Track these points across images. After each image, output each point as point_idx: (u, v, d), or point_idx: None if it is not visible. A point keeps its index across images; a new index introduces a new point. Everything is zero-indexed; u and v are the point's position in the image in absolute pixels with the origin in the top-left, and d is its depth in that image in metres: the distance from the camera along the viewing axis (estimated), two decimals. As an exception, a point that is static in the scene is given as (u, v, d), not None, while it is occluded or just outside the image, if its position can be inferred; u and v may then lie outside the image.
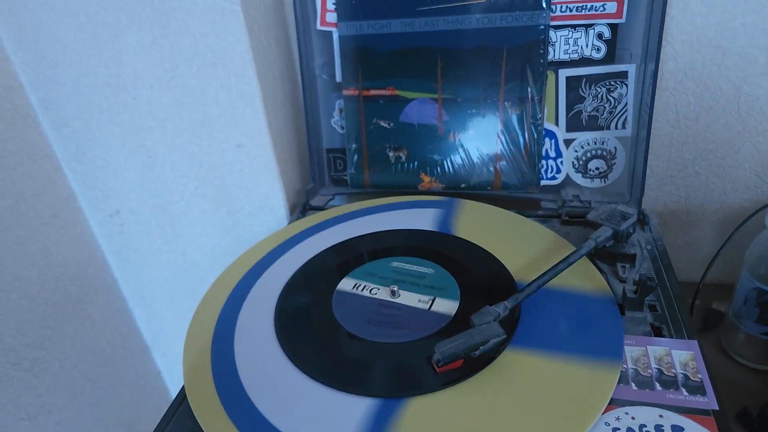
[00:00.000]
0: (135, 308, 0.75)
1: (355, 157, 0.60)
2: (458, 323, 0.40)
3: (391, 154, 0.59)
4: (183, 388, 0.39)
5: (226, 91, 0.54)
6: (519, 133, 0.56)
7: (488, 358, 0.37)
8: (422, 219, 0.54)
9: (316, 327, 0.41)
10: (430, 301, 0.42)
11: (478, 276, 0.45)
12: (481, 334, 0.36)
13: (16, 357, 0.58)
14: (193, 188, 0.61)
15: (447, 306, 0.42)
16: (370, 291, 0.44)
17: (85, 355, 0.67)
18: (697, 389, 0.35)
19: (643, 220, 0.52)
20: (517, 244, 0.48)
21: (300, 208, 0.59)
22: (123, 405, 0.73)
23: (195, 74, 0.53)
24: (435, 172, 0.59)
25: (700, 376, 0.36)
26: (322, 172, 0.61)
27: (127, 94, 0.56)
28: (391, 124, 0.58)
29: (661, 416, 0.33)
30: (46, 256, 0.61)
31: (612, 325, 0.39)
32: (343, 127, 0.60)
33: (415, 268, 0.46)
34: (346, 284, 0.45)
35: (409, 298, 0.43)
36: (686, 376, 0.36)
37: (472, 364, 0.36)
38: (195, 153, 0.58)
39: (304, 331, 0.41)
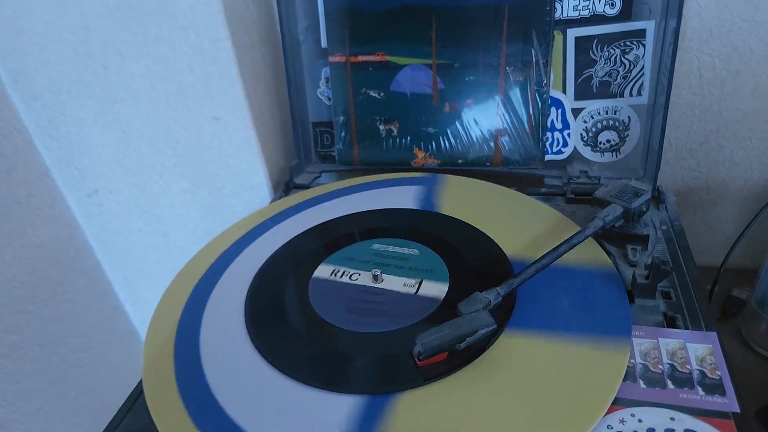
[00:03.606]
0: (120, 292, 0.72)
1: (343, 131, 0.55)
2: (449, 307, 0.35)
3: (381, 127, 0.54)
4: (141, 382, 0.35)
5: (199, 58, 0.49)
6: (522, 101, 0.51)
7: (478, 349, 0.33)
8: (411, 197, 0.49)
9: (289, 317, 0.37)
10: (417, 284, 0.38)
11: (470, 258, 0.40)
12: (468, 323, 0.32)
13: (-10, 342, 0.55)
14: (171, 166, 0.57)
15: (436, 289, 0.38)
16: (350, 277, 0.40)
17: (67, 339, 0.65)
18: (715, 388, 0.30)
19: (658, 198, 0.47)
20: (516, 223, 0.44)
21: (283, 186, 0.54)
22: (109, 391, 0.70)
23: (166, 39, 0.49)
24: (429, 146, 0.54)
25: (719, 372, 0.31)
26: (307, 148, 0.57)
27: (96, 62, 0.52)
28: (382, 94, 0.53)
29: (672, 419, 0.29)
30: (21, 237, 0.58)
31: (617, 302, 0.35)
32: (329, 98, 0.55)
33: (398, 249, 0.42)
34: (323, 271, 0.41)
35: (393, 283, 0.39)
36: (703, 373, 0.31)
37: (460, 355, 0.32)
38: (171, 127, 0.54)
39: (275, 321, 0.37)
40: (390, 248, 0.42)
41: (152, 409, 0.32)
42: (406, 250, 0.42)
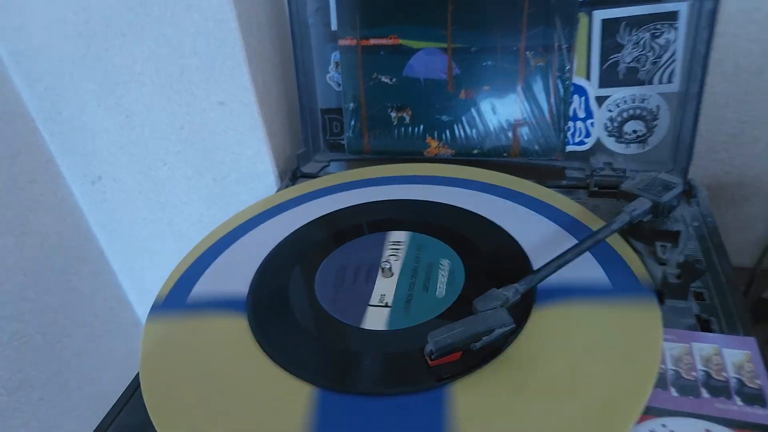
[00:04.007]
0: (124, 281, 0.70)
1: (353, 118, 0.53)
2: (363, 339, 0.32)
3: (393, 114, 0.52)
4: (137, 376, 0.33)
5: (204, 40, 0.47)
6: (542, 89, 0.48)
7: (494, 349, 0.30)
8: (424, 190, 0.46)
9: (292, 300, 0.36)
10: (380, 307, 0.34)
11: (486, 257, 0.38)
12: (484, 322, 0.30)
13: (-9, 330, 0.54)
14: (175, 152, 0.55)
15: (377, 321, 0.33)
16: (390, 255, 0.38)
17: (71, 328, 0.63)
18: (755, 398, 0.28)
19: (689, 192, 0.44)
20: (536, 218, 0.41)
21: (289, 175, 0.52)
22: (113, 381, 0.69)
23: (170, 20, 0.47)
24: (444, 135, 0.51)
25: (758, 381, 0.28)
26: (316, 136, 0.55)
27: (98, 44, 0.50)
28: (394, 80, 0.51)
29: (707, 431, 0.26)
30: (23, 224, 0.57)
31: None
32: (339, 84, 0.53)
33: (443, 280, 0.36)
34: (397, 235, 0.41)
35: (383, 287, 0.36)
36: (741, 382, 0.28)
37: (475, 356, 0.29)
38: (175, 112, 0.52)
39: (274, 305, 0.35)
40: (443, 274, 0.36)
41: (149, 406, 0.30)
42: (442, 286, 0.35)
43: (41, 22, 0.50)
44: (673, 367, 0.29)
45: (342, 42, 0.51)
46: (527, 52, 0.47)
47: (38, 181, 0.58)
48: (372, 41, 0.50)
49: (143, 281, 0.70)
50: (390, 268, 0.37)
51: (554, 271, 0.33)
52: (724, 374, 0.29)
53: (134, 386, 0.34)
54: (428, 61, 0.50)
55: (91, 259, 0.66)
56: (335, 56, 0.52)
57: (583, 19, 0.46)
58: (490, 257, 0.38)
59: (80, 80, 0.53)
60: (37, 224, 0.58)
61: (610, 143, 0.49)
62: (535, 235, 0.39)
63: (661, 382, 0.28)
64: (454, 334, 0.29)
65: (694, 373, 0.29)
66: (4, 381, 0.56)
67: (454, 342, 0.29)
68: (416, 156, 0.52)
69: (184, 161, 0.56)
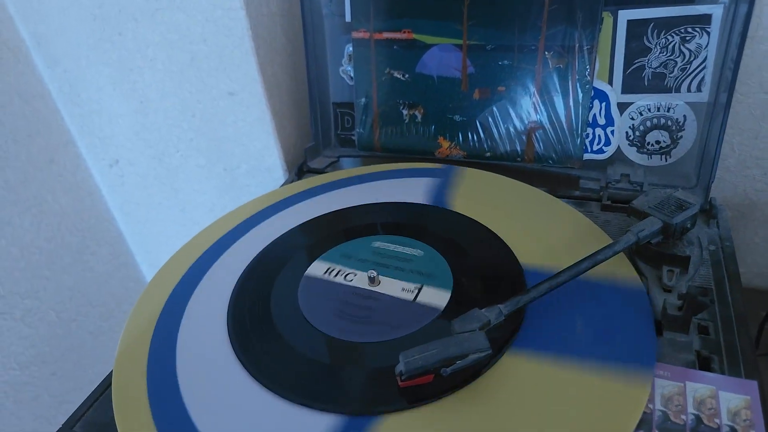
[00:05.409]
0: (143, 264, 0.72)
1: (364, 113, 0.51)
2: (449, 318, 0.32)
3: (405, 112, 0.50)
4: (111, 373, 0.34)
5: (212, 27, 0.47)
6: (560, 92, 0.45)
7: (472, 372, 0.29)
8: (421, 190, 0.45)
9: (274, 319, 0.34)
10: (416, 290, 0.34)
11: (479, 264, 0.36)
12: (459, 345, 0.28)
13: (6, 305, 0.56)
14: (188, 140, 0.55)
15: (436, 296, 0.34)
16: (345, 277, 0.37)
17: (86, 307, 0.65)
18: (749, 450, 0.25)
19: (709, 212, 0.41)
20: (537, 229, 0.39)
21: (295, 170, 0.51)
22: (125, 359, 0.71)
23: (179, 5, 0.47)
24: (456, 136, 0.50)
25: (756, 432, 0.26)
26: (327, 130, 0.54)
27: (112, 28, 0.50)
28: (406, 76, 0.49)
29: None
30: (40, 203, 0.58)
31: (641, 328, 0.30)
32: (352, 77, 0.51)
33: (401, 249, 0.38)
34: (317, 268, 0.37)
35: (390, 287, 0.35)
36: (734, 430, 0.26)
37: (452, 378, 0.28)
38: (186, 99, 0.52)
39: (257, 321, 0.34)
40: (392, 247, 0.38)
41: (117, 409, 0.30)
42: (409, 250, 0.38)
43: (58, 4, 0.51)
44: (662, 408, 0.27)
45: (355, 35, 0.49)
46: (546, 52, 0.45)
47: (57, 162, 0.60)
48: (385, 35, 0.48)
49: (160, 263, 0.71)
50: (378, 275, 0.35)
51: (545, 292, 0.31)
52: (717, 421, 0.26)
53: (106, 384, 0.34)
54: (442, 57, 0.48)
55: (108, 240, 0.67)
56: (349, 48, 0.50)
57: (607, 19, 0.43)
58: (482, 268, 0.36)
59: (96, 64, 0.54)
60: (55, 204, 0.60)
61: (632, 153, 0.46)
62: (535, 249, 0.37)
63: (646, 425, 0.26)
64: (427, 356, 0.28)
65: (683, 417, 0.27)
66: (17, 355, 0.58)
67: (426, 365, 0.28)
68: (427, 156, 0.51)
69: (196, 149, 0.56)
